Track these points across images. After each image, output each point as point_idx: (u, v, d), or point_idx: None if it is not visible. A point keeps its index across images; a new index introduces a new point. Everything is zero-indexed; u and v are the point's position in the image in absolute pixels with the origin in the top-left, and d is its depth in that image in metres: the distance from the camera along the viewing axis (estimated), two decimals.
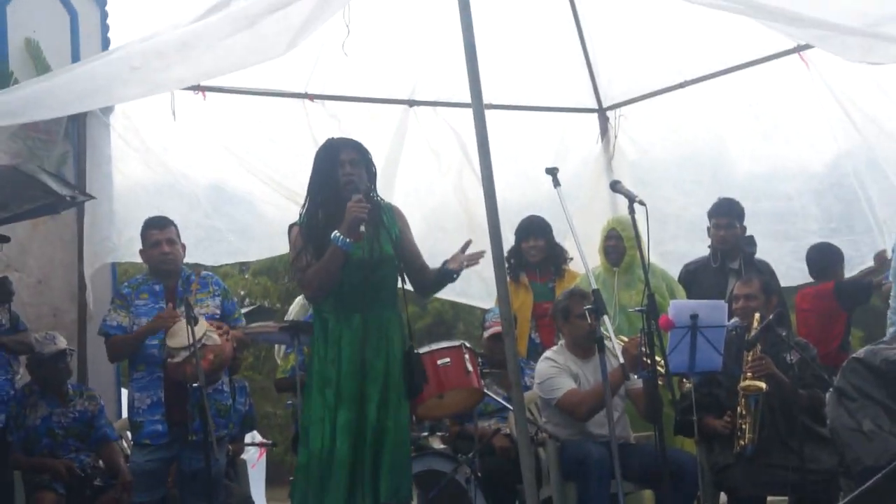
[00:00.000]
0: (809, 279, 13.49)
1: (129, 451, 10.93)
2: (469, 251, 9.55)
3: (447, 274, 9.77)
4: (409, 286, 10.25)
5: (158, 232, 10.99)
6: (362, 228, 9.39)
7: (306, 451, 9.66)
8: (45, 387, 10.97)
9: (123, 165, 12.65)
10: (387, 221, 9.97)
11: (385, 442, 9.53)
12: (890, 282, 11.93)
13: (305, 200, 10.12)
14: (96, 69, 11.81)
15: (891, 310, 11.73)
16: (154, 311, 10.66)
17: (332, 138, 10.43)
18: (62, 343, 11.14)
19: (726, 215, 13.18)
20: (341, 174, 9.70)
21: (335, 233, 9.32)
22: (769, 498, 11.74)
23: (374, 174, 10.11)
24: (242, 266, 13.78)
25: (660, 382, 10.59)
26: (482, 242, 9.98)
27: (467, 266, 9.69)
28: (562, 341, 11.56)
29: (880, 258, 12.69)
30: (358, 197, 9.39)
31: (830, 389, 10.67)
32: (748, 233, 13.20)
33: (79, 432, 10.99)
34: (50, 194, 11.09)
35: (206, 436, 10.03)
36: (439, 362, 10.28)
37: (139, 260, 11.61)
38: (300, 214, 10.11)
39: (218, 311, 10.88)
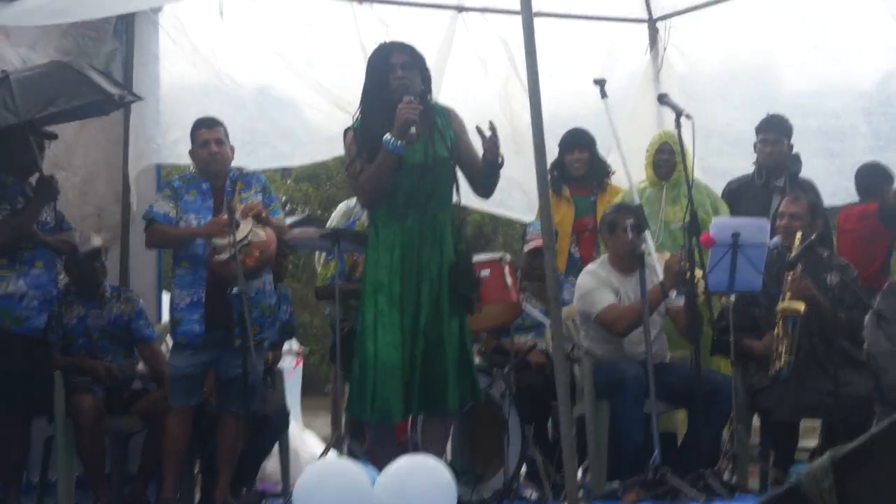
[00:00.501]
0: (855, 199, 13.41)
1: (168, 353, 10.93)
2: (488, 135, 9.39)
3: (488, 165, 9.69)
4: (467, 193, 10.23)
5: (207, 131, 11.03)
6: (413, 130, 9.32)
7: (359, 359, 9.64)
8: (81, 287, 11.00)
9: (171, 66, 12.68)
10: (441, 124, 9.87)
11: (445, 351, 9.53)
12: None
13: (359, 105, 10.06)
14: None
15: None
16: (202, 210, 10.76)
17: (385, 42, 10.41)
18: (97, 241, 11.16)
19: (775, 131, 13.12)
20: (393, 78, 9.64)
21: (386, 136, 9.27)
22: (802, 422, 11.73)
23: (429, 77, 10.04)
24: (285, 172, 13.74)
25: (699, 300, 10.62)
26: (526, 153, 9.99)
27: (496, 147, 9.48)
28: (605, 255, 11.59)
29: None
30: (409, 98, 9.35)
31: (870, 312, 10.65)
32: (794, 151, 13.15)
33: (115, 335, 11.03)
34: (100, 92, 11.05)
35: (245, 341, 10.09)
36: (483, 270, 10.34)
37: (184, 161, 11.69)
38: (353, 119, 10.08)
39: (262, 202, 10.86)
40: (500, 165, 9.75)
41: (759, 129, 13.11)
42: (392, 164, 9.35)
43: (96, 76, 11.14)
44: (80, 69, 11.11)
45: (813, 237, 11.49)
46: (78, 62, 11.34)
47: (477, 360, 10.50)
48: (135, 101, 11.91)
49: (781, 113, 13.35)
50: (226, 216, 10.26)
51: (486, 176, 9.88)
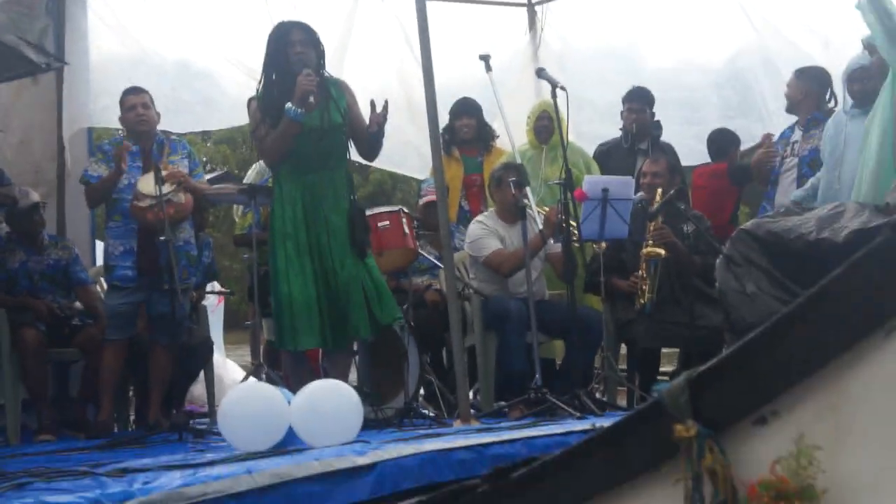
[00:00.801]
0: (707, 160, 13.63)
1: (102, 295, 10.97)
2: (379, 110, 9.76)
3: (372, 136, 10.11)
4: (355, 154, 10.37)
5: (135, 97, 11.06)
6: (312, 99, 9.63)
7: (275, 298, 9.95)
8: (22, 235, 10.97)
9: (99, 41, 12.66)
10: (335, 94, 10.17)
11: (361, 282, 9.91)
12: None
13: (261, 77, 10.25)
14: None
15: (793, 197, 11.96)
16: (132, 169, 10.75)
17: (283, 21, 10.62)
18: (35, 197, 11.17)
19: (638, 101, 13.34)
20: (292, 52, 9.90)
21: (288, 104, 9.62)
22: (663, 350, 11.97)
23: (323, 52, 10.29)
24: (205, 135, 13.73)
25: (574, 246, 10.81)
26: (420, 120, 10.10)
27: (382, 121, 9.85)
28: (492, 208, 11.70)
29: (767, 138, 12.82)
30: (307, 71, 9.70)
31: (720, 256, 10.85)
32: (656, 118, 13.33)
33: (54, 278, 11.04)
34: (27, 62, 11.23)
35: (172, 283, 10.17)
36: (379, 224, 10.59)
37: (113, 126, 11.74)
38: (257, 90, 10.26)
39: (185, 167, 10.91)
40: (381, 136, 10.17)
41: (625, 100, 13.33)
42: (293, 130, 9.72)
43: (25, 47, 11.27)
44: (11, 44, 11.17)
45: (671, 192, 11.71)
46: (7, 36, 11.35)
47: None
48: (61, 67, 12.14)
49: (645, 86, 13.57)
50: (152, 173, 10.36)
51: (368, 143, 10.28)
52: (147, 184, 10.21)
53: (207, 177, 12.07)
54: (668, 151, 12.75)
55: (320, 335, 9.81)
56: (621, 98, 13.45)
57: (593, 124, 13.51)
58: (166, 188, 10.22)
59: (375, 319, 9.90)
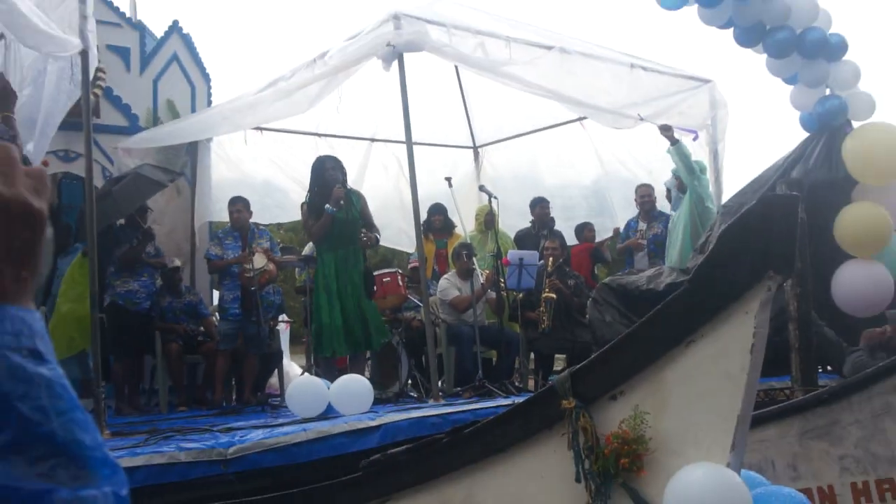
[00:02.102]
0: (576, 242, 13.59)
1: (217, 323, 10.95)
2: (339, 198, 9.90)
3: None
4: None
5: (237, 203, 11.06)
6: (342, 203, 9.75)
7: (316, 325, 10.06)
8: (168, 286, 10.91)
9: (217, 169, 12.60)
10: (354, 200, 10.24)
11: (369, 316, 10.03)
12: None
13: (308, 191, 10.40)
14: (204, 117, 11.94)
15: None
16: (234, 249, 10.77)
17: (321, 155, 10.85)
18: (177, 262, 11.18)
19: (541, 204, 13.25)
20: (328, 175, 10.05)
21: (327, 206, 9.79)
22: (556, 356, 11.95)
23: (346, 174, 10.36)
24: (279, 225, 13.70)
25: (502, 293, 10.85)
26: (408, 216, 10.16)
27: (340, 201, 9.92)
28: (453, 269, 11.59)
29: (615, 231, 12.94)
30: (339, 185, 9.87)
31: (589, 299, 10.90)
32: (550, 216, 13.28)
33: (187, 312, 10.98)
34: (158, 185, 11.53)
35: (258, 316, 10.23)
36: (384, 279, 10.67)
37: (224, 220, 11.71)
38: (306, 198, 10.43)
39: (268, 246, 10.90)
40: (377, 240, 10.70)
41: (533, 204, 13.27)
42: (329, 221, 9.78)
43: (160, 174, 11.51)
44: (147, 174, 11.32)
45: (561, 261, 11.82)
46: (144, 168, 11.36)
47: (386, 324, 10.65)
48: (178, 179, 12.34)
49: (544, 195, 13.57)
50: (248, 253, 10.42)
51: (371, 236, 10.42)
52: (251, 262, 10.30)
53: (279, 252, 12.05)
54: (559, 236, 12.65)
55: (345, 347, 9.95)
56: (529, 203, 13.40)
57: (512, 219, 13.43)
58: (259, 261, 10.37)
59: (375, 339, 10.13)
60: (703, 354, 3.39)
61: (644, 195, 12.53)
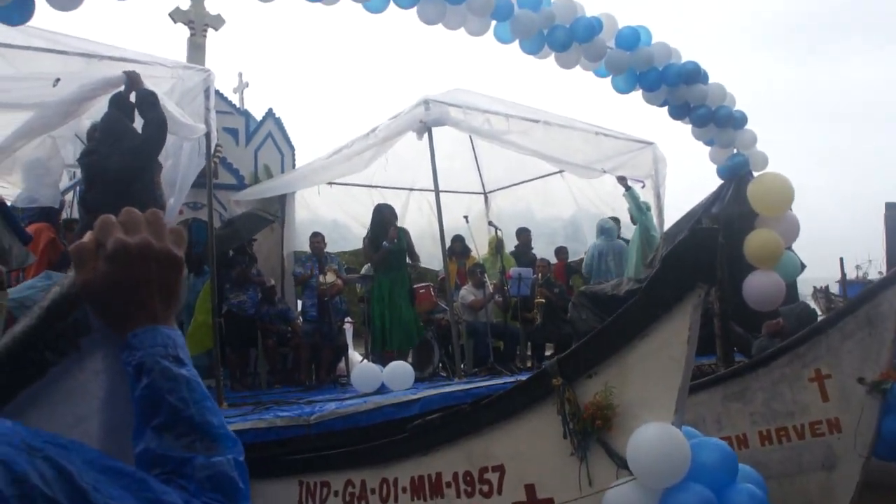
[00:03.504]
0: (556, 261, 13.46)
1: (300, 324, 10.90)
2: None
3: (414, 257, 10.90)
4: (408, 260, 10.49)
5: (317, 237, 11.12)
6: (395, 240, 9.96)
7: (374, 328, 10.20)
8: (267, 299, 10.85)
9: (299, 213, 12.53)
10: (402, 236, 10.35)
11: (411, 322, 10.18)
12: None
13: (369, 229, 10.48)
14: (290, 177, 12.01)
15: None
16: (311, 270, 10.74)
17: (381, 203, 11.03)
18: (272, 281, 11.14)
19: (523, 232, 13.24)
20: (386, 219, 10.29)
21: (385, 242, 10.01)
22: (547, 344, 11.85)
23: (397, 217, 10.66)
24: (345, 252, 13.71)
25: (507, 298, 10.83)
26: (437, 243, 10.10)
27: (394, 239, 10.19)
28: (470, 283, 11.51)
29: (588, 253, 12.79)
30: (394, 227, 10.08)
31: (570, 302, 10.84)
32: (532, 242, 13.27)
33: (280, 317, 10.89)
34: (266, 222, 11.49)
35: (331, 319, 10.23)
36: (420, 290, 10.58)
37: (305, 250, 11.70)
38: (367, 233, 10.54)
39: (336, 268, 10.86)
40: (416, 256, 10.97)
41: (517, 233, 13.27)
42: (386, 253, 9.94)
43: (265, 214, 11.54)
44: (257, 212, 11.50)
45: (548, 275, 11.76)
46: (255, 210, 11.52)
47: (421, 324, 10.57)
48: (277, 221, 12.22)
49: (531, 227, 13.53)
50: (320, 267, 10.46)
51: (413, 259, 10.76)
52: (324, 279, 10.30)
53: (344, 272, 12.04)
54: (543, 260, 12.58)
55: (393, 343, 10.09)
56: (514, 232, 13.38)
57: (512, 244, 13.37)
58: (330, 278, 10.35)
59: (414, 338, 10.25)
60: (654, 344, 3.39)
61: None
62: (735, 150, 9.86)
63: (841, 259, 16.23)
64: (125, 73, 7.05)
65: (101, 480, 0.93)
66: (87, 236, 1.17)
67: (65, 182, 9.09)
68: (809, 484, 5.39)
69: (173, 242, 1.22)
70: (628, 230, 12.65)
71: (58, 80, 6.53)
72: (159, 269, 1.18)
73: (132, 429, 1.13)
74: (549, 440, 3.61)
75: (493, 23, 8.41)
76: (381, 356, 10.17)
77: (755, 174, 9.72)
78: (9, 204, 7.00)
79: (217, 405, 1.18)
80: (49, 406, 1.16)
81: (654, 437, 3.28)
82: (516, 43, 8.63)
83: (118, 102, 7.09)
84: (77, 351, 1.17)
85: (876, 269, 36.73)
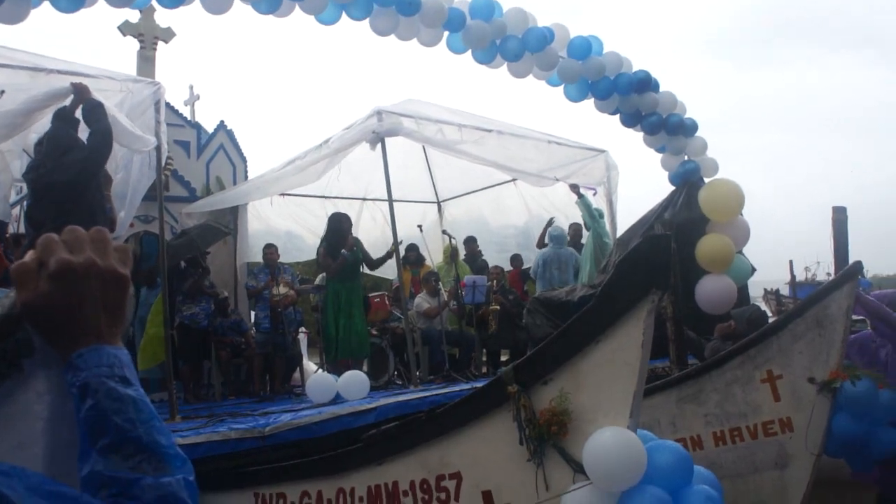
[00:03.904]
0: (511, 268, 13.52)
1: (254, 335, 10.79)
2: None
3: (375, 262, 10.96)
4: (365, 269, 10.46)
5: (270, 248, 11.12)
6: (354, 248, 10.06)
7: (325, 336, 10.28)
8: (220, 310, 10.71)
9: (252, 224, 12.45)
10: (357, 245, 10.31)
11: (362, 331, 10.22)
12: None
13: (322, 237, 10.56)
14: (242, 188, 11.94)
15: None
16: (265, 281, 10.74)
17: (337, 212, 11.06)
18: (225, 294, 11.01)
19: (470, 241, 13.32)
20: (343, 228, 10.46)
21: (343, 251, 10.12)
22: (502, 350, 11.82)
23: (351, 224, 10.74)
24: (298, 263, 13.54)
25: (462, 306, 10.83)
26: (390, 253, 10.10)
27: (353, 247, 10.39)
28: (424, 291, 11.50)
29: (535, 261, 12.79)
30: (352, 236, 10.33)
31: (525, 308, 10.88)
32: (479, 249, 13.27)
33: (233, 328, 10.73)
34: (221, 233, 11.36)
35: (284, 329, 10.20)
36: (375, 299, 10.58)
37: (257, 261, 11.63)
38: (322, 243, 10.54)
39: (289, 279, 10.80)
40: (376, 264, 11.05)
41: (465, 242, 13.29)
42: (344, 261, 10.06)
43: (220, 226, 11.40)
44: (214, 224, 11.39)
45: (503, 282, 11.78)
46: (213, 222, 11.42)
47: (375, 332, 10.54)
48: (231, 234, 12.11)
49: (488, 235, 13.59)
50: (273, 281, 10.40)
51: (371, 266, 10.87)
52: (277, 290, 10.23)
53: (297, 283, 11.97)
54: (500, 265, 12.56)
55: (343, 353, 10.11)
56: (462, 241, 13.34)
57: (465, 253, 13.39)
58: (283, 289, 10.28)
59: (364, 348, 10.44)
60: (608, 349, 3.40)
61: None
62: (686, 157, 9.95)
63: (790, 261, 16.55)
64: (72, 84, 6.94)
65: None
66: (29, 255, 1.14)
67: (12, 197, 8.91)
68: (763, 482, 5.45)
69: (118, 260, 1.19)
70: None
71: (2, 92, 6.40)
72: (104, 287, 1.16)
73: (77, 449, 1.10)
74: (506, 447, 3.60)
75: (446, 33, 8.41)
76: (335, 365, 10.14)
77: (706, 180, 9.81)
78: None
79: (165, 425, 1.16)
80: None
81: (609, 441, 3.28)
82: (469, 53, 8.64)
83: (63, 116, 6.99)
84: (20, 372, 1.14)
85: (824, 271, 37.49)
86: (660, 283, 3.37)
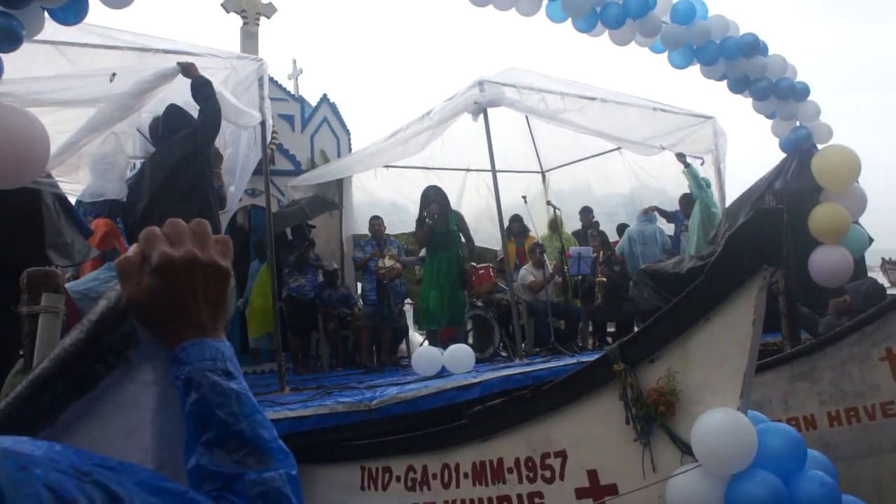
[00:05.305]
0: (617, 238, 13.19)
1: (360, 307, 10.91)
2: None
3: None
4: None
5: (376, 220, 11.11)
6: (436, 216, 10.26)
7: (421, 304, 10.46)
8: (328, 282, 10.85)
9: (357, 196, 12.59)
10: (451, 218, 10.47)
11: (456, 304, 10.21)
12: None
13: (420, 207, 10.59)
14: (347, 161, 12.03)
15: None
16: (371, 251, 10.77)
17: (428, 185, 11.20)
18: (334, 266, 11.10)
19: (586, 212, 13.11)
20: (430, 198, 10.52)
21: (427, 220, 10.27)
22: (608, 323, 11.62)
23: (446, 198, 10.74)
24: (403, 233, 13.69)
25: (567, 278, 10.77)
26: (496, 223, 10.03)
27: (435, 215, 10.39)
28: (530, 262, 11.42)
29: (622, 237, 12.72)
30: (435, 203, 10.36)
31: (631, 280, 10.72)
32: (594, 220, 13.09)
33: (341, 300, 10.84)
34: (331, 206, 11.54)
35: (390, 302, 10.26)
36: (480, 270, 10.51)
37: (364, 233, 11.75)
38: (420, 214, 10.62)
39: (396, 251, 10.87)
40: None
41: (583, 212, 13.16)
42: (427, 231, 10.36)
43: (329, 200, 11.48)
44: (322, 195, 11.49)
45: (609, 254, 11.60)
46: (322, 196, 11.56)
47: (479, 304, 10.54)
48: (340, 209, 12.31)
49: (592, 205, 13.42)
50: (378, 252, 10.49)
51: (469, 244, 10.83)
52: (384, 262, 10.31)
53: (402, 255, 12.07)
54: (601, 235, 12.22)
55: (433, 324, 10.42)
56: (578, 211, 13.29)
57: (570, 224, 13.22)
58: (389, 261, 10.36)
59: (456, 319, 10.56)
60: (717, 327, 3.33)
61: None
62: (798, 123, 9.61)
63: None
64: (179, 64, 7.10)
65: (152, 503, 0.92)
66: (133, 249, 1.16)
67: (127, 175, 9.24)
68: (881, 465, 5.26)
69: (219, 253, 1.19)
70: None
71: (114, 74, 6.59)
72: (205, 280, 1.16)
73: (184, 440, 1.11)
74: (612, 426, 3.56)
75: (545, 2, 8.27)
76: (432, 337, 10.45)
77: (819, 147, 9.48)
78: (75, 198, 7.16)
79: (268, 418, 1.16)
80: (101, 417, 1.16)
81: (719, 422, 3.21)
82: (569, 21, 8.49)
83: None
84: (127, 363, 1.17)
85: None
86: (772, 259, 3.27)
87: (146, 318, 1.15)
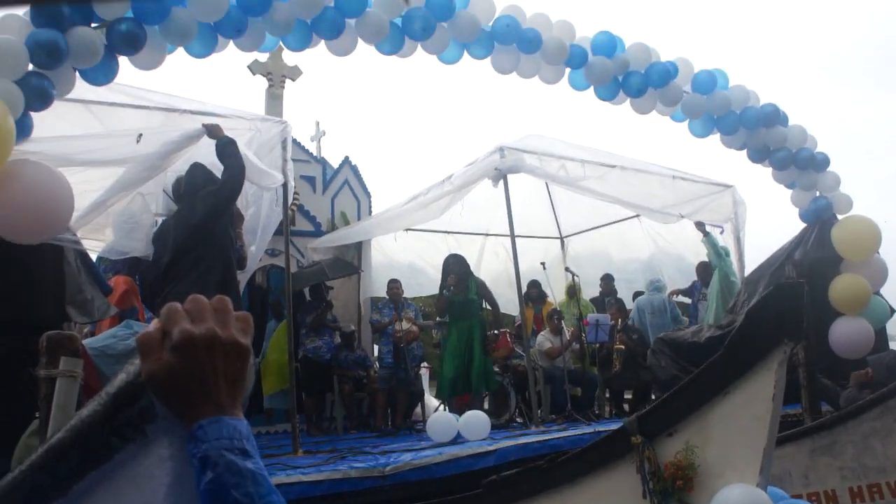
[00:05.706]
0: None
1: (376, 370, 10.88)
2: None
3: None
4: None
5: (395, 283, 11.17)
6: (452, 288, 10.32)
7: (442, 374, 10.39)
8: (346, 344, 10.86)
9: (376, 259, 12.60)
10: (472, 285, 10.50)
11: (485, 369, 10.16)
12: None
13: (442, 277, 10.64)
14: (367, 224, 12.10)
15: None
16: (389, 315, 10.78)
17: (449, 254, 11.35)
18: (351, 328, 11.12)
19: (606, 279, 13.12)
20: (449, 269, 10.63)
21: (444, 291, 10.41)
22: (625, 392, 11.55)
23: (467, 267, 10.82)
24: (421, 297, 13.70)
25: (584, 345, 10.72)
26: (514, 290, 10.05)
27: (451, 287, 10.55)
28: (547, 328, 11.38)
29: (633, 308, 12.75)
30: (452, 276, 10.47)
31: (649, 349, 10.65)
32: (614, 287, 13.09)
33: (357, 362, 10.87)
34: (352, 268, 11.61)
35: (406, 364, 10.21)
36: (496, 336, 10.46)
37: (382, 296, 11.75)
38: (441, 282, 10.71)
39: (413, 315, 10.85)
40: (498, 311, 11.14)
41: (603, 279, 13.20)
42: (445, 301, 10.51)
43: (347, 262, 11.52)
44: (343, 258, 11.50)
45: (629, 320, 11.55)
46: (342, 258, 11.61)
47: (497, 369, 10.46)
48: (359, 272, 12.23)
49: (612, 272, 13.42)
50: (396, 314, 10.47)
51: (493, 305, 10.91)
52: (401, 325, 10.34)
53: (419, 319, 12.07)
54: (619, 302, 12.27)
55: (451, 392, 10.31)
56: (600, 278, 13.28)
57: (590, 291, 13.23)
58: (406, 325, 10.36)
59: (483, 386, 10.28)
60: (737, 402, 3.30)
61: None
62: (818, 193, 9.61)
63: None
64: (204, 125, 7.21)
65: None
66: (153, 325, 1.16)
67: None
68: None
69: (240, 330, 1.19)
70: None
71: (140, 135, 6.70)
72: (225, 358, 1.16)
73: None
74: (628, 499, 3.52)
75: (568, 70, 8.36)
76: (451, 402, 10.36)
77: (839, 217, 9.46)
78: (96, 255, 7.21)
79: (283, 499, 1.15)
80: (115, 490, 1.15)
81: (738, 499, 3.17)
82: (591, 90, 8.57)
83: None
84: (143, 437, 1.16)
85: None
86: (792, 333, 3.25)
87: (165, 395, 1.15)
